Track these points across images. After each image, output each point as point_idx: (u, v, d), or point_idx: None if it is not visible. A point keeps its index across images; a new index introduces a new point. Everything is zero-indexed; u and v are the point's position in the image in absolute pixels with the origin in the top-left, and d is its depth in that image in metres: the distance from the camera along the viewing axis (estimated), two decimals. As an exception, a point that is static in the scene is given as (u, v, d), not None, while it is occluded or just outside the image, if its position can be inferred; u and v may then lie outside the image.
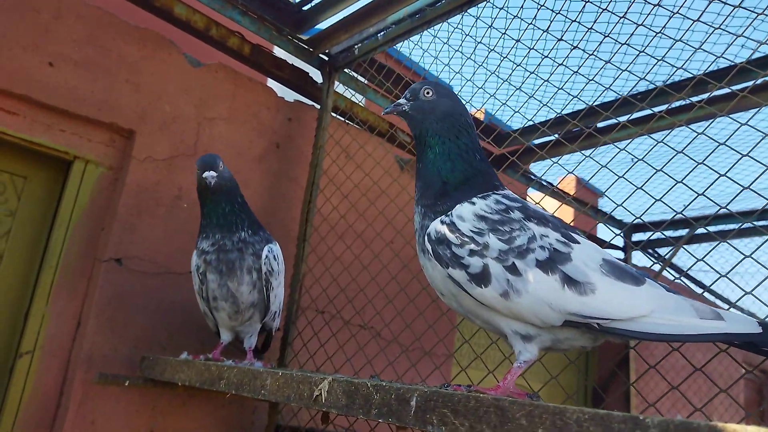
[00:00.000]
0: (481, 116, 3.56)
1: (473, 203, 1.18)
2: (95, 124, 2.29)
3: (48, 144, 2.21)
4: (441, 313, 2.06)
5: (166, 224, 2.33)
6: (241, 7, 2.57)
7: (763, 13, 1.59)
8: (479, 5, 2.23)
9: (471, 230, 1.13)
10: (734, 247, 1.70)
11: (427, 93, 1.27)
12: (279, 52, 2.81)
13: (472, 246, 1.12)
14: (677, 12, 1.74)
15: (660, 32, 1.76)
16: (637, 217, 1.82)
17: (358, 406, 1.18)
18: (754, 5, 1.73)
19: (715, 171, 1.61)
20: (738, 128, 1.63)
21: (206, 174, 1.82)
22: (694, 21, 1.70)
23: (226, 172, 1.91)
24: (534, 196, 4.81)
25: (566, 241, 1.13)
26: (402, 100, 1.30)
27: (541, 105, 2.17)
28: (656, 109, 2.29)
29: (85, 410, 2.04)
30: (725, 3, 1.69)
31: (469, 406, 0.97)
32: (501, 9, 2.14)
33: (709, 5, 1.70)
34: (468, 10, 2.25)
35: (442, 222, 1.17)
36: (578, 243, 1.14)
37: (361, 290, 2.33)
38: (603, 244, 4.47)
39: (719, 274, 1.66)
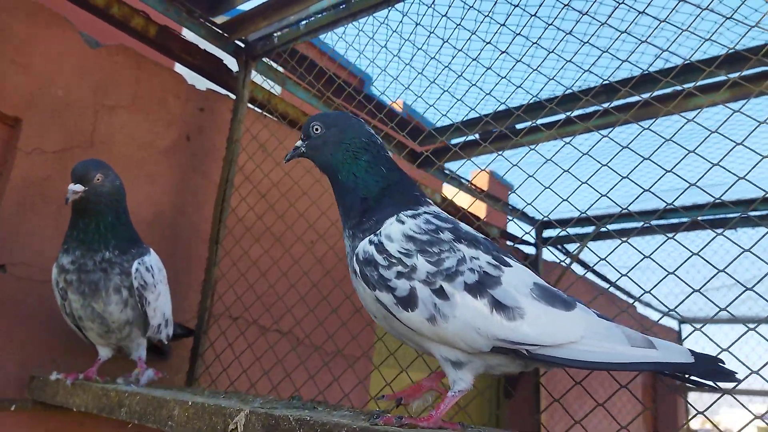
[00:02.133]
0: (399, 108, 3.50)
1: (402, 222, 1.14)
2: (-28, 110, 2.00)
3: None
4: (365, 323, 1.99)
5: (57, 225, 2.08)
6: (146, -15, 2.33)
7: (666, 21, 1.64)
8: (407, 1, 2.15)
9: (399, 251, 1.09)
10: (634, 247, 1.76)
11: (316, 129, 1.28)
12: (190, 36, 2.59)
13: (400, 268, 1.08)
14: (585, 13, 1.76)
15: (569, 33, 1.76)
16: (545, 216, 1.84)
17: (280, 443, 1.08)
18: (657, 13, 1.78)
19: (618, 173, 1.66)
20: (640, 132, 1.69)
21: (69, 188, 1.62)
22: (601, 24, 1.73)
23: (105, 185, 1.69)
24: (449, 190, 4.85)
25: (497, 264, 1.10)
26: (299, 142, 1.32)
27: (455, 101, 2.14)
28: (568, 113, 2.33)
29: (-42, 439, 1.79)
30: (630, 8, 1.72)
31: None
32: (429, 7, 2.07)
33: (614, 10, 1.73)
34: (395, 6, 2.17)
35: (371, 242, 1.12)
36: (510, 266, 1.11)
37: (279, 298, 2.20)
38: (515, 239, 4.58)
39: (620, 273, 1.71)
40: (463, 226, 1.19)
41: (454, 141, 3.57)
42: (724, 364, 0.99)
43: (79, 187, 1.63)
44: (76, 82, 2.22)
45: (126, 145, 2.31)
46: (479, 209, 5.48)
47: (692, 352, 1.00)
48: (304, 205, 2.41)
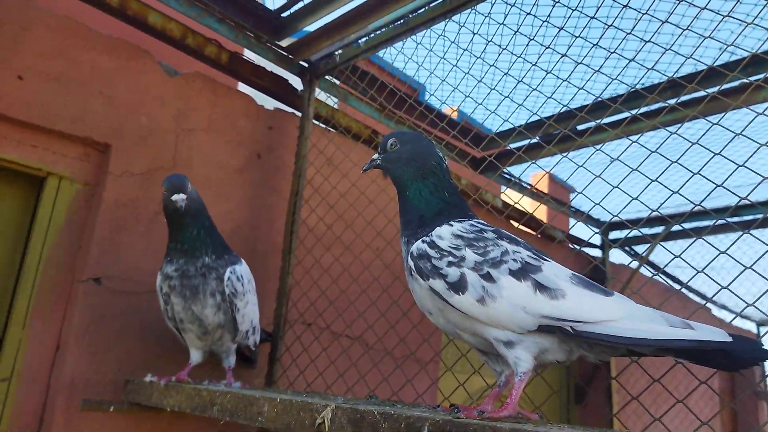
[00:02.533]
0: (456, 115, 3.55)
1: (451, 225, 1.27)
2: (69, 139, 2.20)
3: (19, 160, 2.11)
4: (434, 326, 2.04)
5: (146, 241, 2.26)
6: (218, 15, 2.50)
7: (728, 16, 1.62)
8: (463, 12, 2.21)
9: (449, 246, 1.22)
10: (710, 243, 1.72)
11: (392, 145, 1.41)
12: (257, 58, 2.75)
13: (450, 258, 1.20)
14: (645, 13, 1.75)
15: (629, 33, 1.76)
16: (614, 216, 1.83)
17: (365, 435, 1.15)
18: (718, 7, 1.76)
19: (689, 170, 1.64)
20: (710, 128, 1.66)
21: (176, 197, 1.79)
22: (663, 22, 1.72)
23: (194, 194, 1.88)
24: (508, 195, 4.83)
25: (537, 257, 1.21)
26: (375, 155, 1.45)
27: (516, 106, 2.17)
28: (633, 111, 2.31)
29: (67, 439, 1.96)
30: (691, 3, 1.71)
31: (486, 438, 0.95)
32: (486, 16, 2.12)
33: (676, 6, 1.72)
34: (452, 17, 2.23)
35: (423, 241, 1.26)
36: (548, 261, 1.22)
37: (351, 303, 2.29)
38: (581, 242, 4.52)
39: (696, 270, 1.68)
40: (506, 232, 1.30)
41: (512, 146, 3.59)
42: (762, 345, 1.05)
43: (183, 195, 1.79)
44: (158, 109, 2.40)
45: (204, 166, 2.47)
46: (540, 214, 5.42)
47: (730, 334, 1.04)
48: (372, 214, 2.50)
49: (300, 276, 2.50)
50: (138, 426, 2.12)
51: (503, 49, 2.03)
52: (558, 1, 1.84)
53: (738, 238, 1.67)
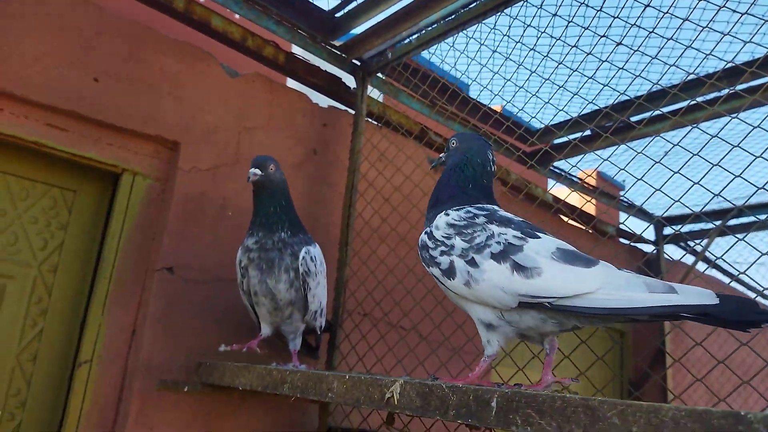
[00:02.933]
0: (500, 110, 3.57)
1: (448, 215, 1.41)
2: (141, 137, 2.35)
3: (96, 158, 2.26)
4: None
5: (214, 233, 2.38)
6: (275, 17, 2.61)
7: None
8: (515, 5, 2.24)
9: (442, 236, 1.37)
10: None
11: (453, 144, 1.60)
12: (312, 58, 2.84)
13: (442, 248, 1.35)
14: None
15: (685, 20, 1.77)
16: (676, 200, 1.83)
17: (434, 408, 1.21)
18: None
19: (752, 154, 1.63)
20: None
21: (250, 171, 1.93)
22: (720, 8, 1.72)
23: (276, 174, 2.00)
24: (555, 191, 4.80)
25: (523, 236, 1.27)
26: (442, 155, 1.64)
27: (572, 95, 2.18)
28: (692, 99, 2.29)
29: (144, 417, 2.09)
30: None
31: (555, 407, 1.00)
32: (538, 8, 2.15)
33: None
34: (504, 11, 2.27)
35: (425, 233, 1.44)
36: (537, 238, 1.27)
37: (408, 292, 2.36)
38: (632, 237, 4.46)
39: (760, 252, 1.65)
40: (503, 213, 1.39)
41: (559, 141, 3.59)
42: (756, 306, 0.98)
43: (258, 171, 1.93)
44: (221, 109, 2.52)
45: (264, 161, 2.58)
46: (589, 210, 5.36)
47: (719, 295, 1.01)
48: (426, 206, 2.55)
49: (357, 267, 2.58)
50: (209, 405, 2.24)
51: (557, 40, 2.06)
52: (612, -9, 1.86)
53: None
